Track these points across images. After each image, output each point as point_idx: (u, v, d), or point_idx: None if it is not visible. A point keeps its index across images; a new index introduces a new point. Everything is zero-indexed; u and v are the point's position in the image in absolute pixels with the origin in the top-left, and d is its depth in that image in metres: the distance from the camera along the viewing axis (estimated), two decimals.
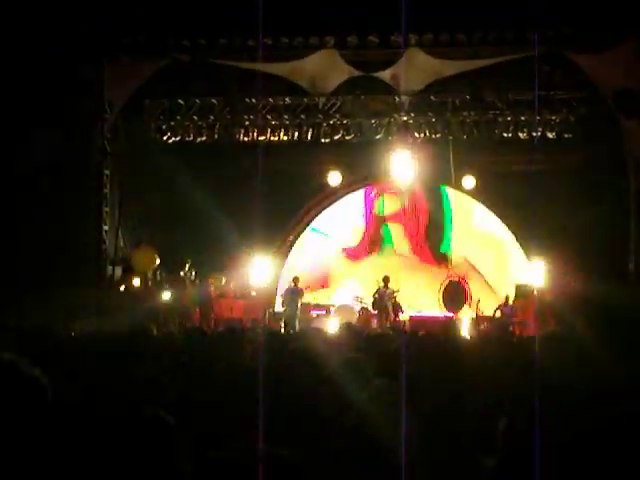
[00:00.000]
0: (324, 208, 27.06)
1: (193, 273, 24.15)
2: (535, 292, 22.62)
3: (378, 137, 25.13)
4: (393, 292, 23.94)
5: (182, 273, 24.07)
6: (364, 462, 4.27)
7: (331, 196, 26.66)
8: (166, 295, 23.10)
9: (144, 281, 24.07)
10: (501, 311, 23.38)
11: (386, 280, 24.05)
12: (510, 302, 23.58)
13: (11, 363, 3.47)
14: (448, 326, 16.11)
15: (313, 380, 5.60)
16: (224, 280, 24.23)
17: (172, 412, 3.71)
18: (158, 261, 22.94)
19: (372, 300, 23.98)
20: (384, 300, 23.69)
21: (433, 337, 9.94)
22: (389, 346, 8.99)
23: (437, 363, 6.64)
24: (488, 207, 26.21)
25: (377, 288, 23.96)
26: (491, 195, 25.55)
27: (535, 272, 22.65)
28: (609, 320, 17.46)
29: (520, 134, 24.38)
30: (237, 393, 4.72)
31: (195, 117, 25.27)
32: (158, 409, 3.67)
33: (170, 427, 3.61)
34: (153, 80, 23.60)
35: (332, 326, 19.74)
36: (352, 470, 4.19)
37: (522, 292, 23.70)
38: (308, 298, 25.13)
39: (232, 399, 4.56)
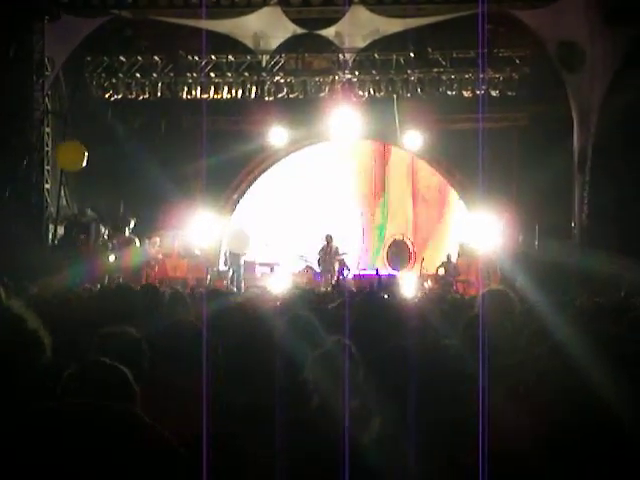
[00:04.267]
0: (268, 167, 27.02)
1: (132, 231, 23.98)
2: (479, 251, 22.77)
3: (322, 95, 25.06)
4: (338, 250, 24.01)
5: (127, 232, 23.90)
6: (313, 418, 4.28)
7: (275, 154, 26.60)
8: (111, 255, 22.95)
9: (88, 240, 23.85)
10: (444, 269, 23.56)
11: (329, 238, 24.10)
12: (453, 260, 23.77)
13: (20, 316, 3.43)
14: (389, 284, 16.16)
15: (260, 337, 5.59)
16: (166, 239, 24.09)
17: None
18: (85, 158, 22.09)
19: (317, 258, 24.02)
20: (329, 258, 23.74)
21: (374, 295, 9.98)
22: (332, 305, 9.03)
23: (378, 321, 6.65)
24: (433, 166, 26.36)
25: (322, 246, 23.98)
26: (436, 153, 25.66)
27: (479, 230, 22.78)
28: (551, 278, 17.68)
29: (464, 92, 24.43)
30: (181, 350, 4.70)
31: (137, 75, 25.00)
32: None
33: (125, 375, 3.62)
34: (94, 37, 23.28)
35: (277, 285, 19.79)
36: (301, 426, 4.19)
37: (465, 251, 23.87)
38: (252, 256, 25.12)
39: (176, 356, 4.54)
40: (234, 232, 25.11)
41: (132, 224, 24.05)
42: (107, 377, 3.61)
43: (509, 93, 24.24)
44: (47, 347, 3.47)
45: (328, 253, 23.84)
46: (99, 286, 17.09)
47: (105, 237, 24.09)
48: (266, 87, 24.92)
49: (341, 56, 24.39)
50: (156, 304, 7.50)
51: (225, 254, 24.71)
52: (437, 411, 3.17)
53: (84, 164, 21.78)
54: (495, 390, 2.94)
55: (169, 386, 4.51)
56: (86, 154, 21.68)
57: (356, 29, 23.23)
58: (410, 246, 26.24)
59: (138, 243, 23.66)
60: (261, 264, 25.50)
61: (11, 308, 3.42)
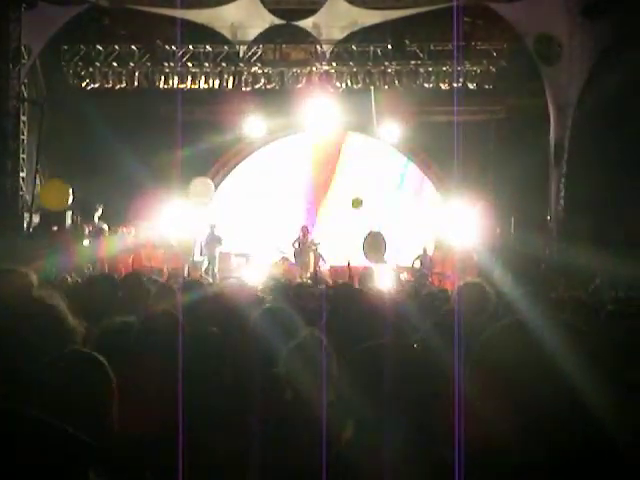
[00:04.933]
0: (245, 157, 26.97)
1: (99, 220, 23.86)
2: (455, 244, 22.76)
3: (299, 86, 25.05)
4: (314, 242, 23.94)
5: (95, 219, 23.76)
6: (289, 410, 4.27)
7: (251, 145, 26.55)
8: (85, 244, 22.82)
9: (63, 230, 23.71)
10: (420, 262, 23.54)
11: (304, 230, 24.03)
12: (429, 253, 23.75)
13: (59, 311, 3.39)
14: (365, 276, 16.10)
15: (236, 330, 5.57)
16: (142, 229, 23.96)
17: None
18: (71, 197, 22.13)
19: (293, 250, 23.96)
20: (305, 250, 23.68)
21: (349, 287, 9.94)
22: (309, 297, 9.00)
23: (354, 313, 6.64)
24: (410, 158, 26.36)
25: (297, 237, 23.92)
26: (413, 145, 25.67)
27: (455, 223, 22.78)
28: (527, 270, 17.73)
29: (441, 84, 24.49)
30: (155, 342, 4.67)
31: (114, 64, 24.92)
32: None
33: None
34: (72, 26, 23.16)
35: (252, 276, 19.74)
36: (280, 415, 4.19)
37: (442, 244, 23.86)
38: (228, 247, 25.01)
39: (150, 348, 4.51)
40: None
41: (100, 211, 23.91)
42: (83, 366, 3.60)
43: (486, 86, 24.34)
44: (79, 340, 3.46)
45: (303, 244, 23.79)
46: (73, 275, 16.97)
47: (79, 226, 23.95)
48: (243, 77, 24.93)
49: (319, 47, 24.39)
50: (138, 295, 7.46)
51: (200, 243, 24.58)
52: (414, 409, 3.17)
53: (69, 202, 21.82)
54: (471, 387, 2.92)
55: (146, 376, 4.50)
56: (70, 192, 21.69)
57: (334, 20, 23.24)
58: (386, 238, 26.18)
59: (107, 230, 23.53)
60: (237, 254, 25.39)
61: (44, 299, 3.38)
